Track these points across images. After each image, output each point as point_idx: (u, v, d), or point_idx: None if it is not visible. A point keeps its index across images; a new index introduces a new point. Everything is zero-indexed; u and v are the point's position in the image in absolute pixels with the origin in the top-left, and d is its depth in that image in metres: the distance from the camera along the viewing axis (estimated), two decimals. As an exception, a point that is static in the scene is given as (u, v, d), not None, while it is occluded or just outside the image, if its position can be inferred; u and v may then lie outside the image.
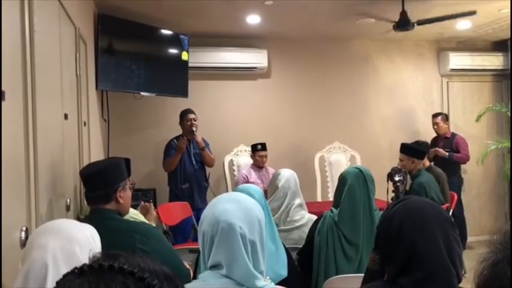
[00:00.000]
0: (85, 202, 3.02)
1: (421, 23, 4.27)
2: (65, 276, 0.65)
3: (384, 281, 1.31)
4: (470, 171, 5.99)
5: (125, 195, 2.15)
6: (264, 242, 1.40)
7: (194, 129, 4.77)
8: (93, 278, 0.62)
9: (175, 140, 4.83)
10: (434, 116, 5.69)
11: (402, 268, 1.25)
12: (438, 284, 1.21)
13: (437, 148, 5.48)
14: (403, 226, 1.28)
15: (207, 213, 1.39)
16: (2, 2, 1.52)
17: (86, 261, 0.67)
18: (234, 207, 1.37)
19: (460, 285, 1.29)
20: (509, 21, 4.69)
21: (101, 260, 0.64)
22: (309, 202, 3.99)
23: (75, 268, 0.64)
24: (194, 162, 4.86)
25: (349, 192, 2.54)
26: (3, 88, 1.50)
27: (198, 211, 4.38)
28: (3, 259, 1.45)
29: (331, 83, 6.01)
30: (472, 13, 4.01)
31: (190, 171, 4.82)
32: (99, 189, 2.09)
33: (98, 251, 0.90)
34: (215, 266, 1.34)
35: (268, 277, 1.41)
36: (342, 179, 2.63)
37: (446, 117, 5.69)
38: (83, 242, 1.23)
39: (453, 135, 5.63)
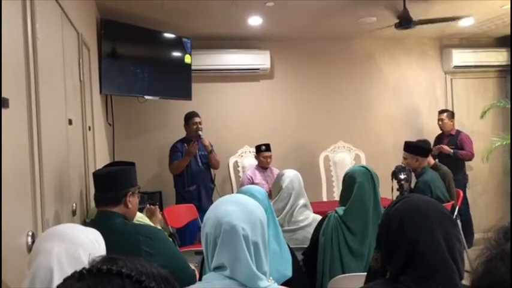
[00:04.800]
0: (91, 206, 3.05)
1: (421, 23, 4.28)
2: (65, 280, 0.67)
3: (386, 279, 1.31)
4: (476, 168, 5.97)
5: (134, 200, 2.21)
6: (267, 243, 1.41)
7: (200, 132, 4.79)
8: (92, 282, 0.64)
9: (180, 143, 4.85)
10: (441, 112, 5.67)
11: (403, 266, 1.26)
12: (439, 281, 1.22)
13: (441, 145, 5.46)
14: (403, 224, 1.29)
15: (209, 215, 1.41)
16: (4, 9, 1.54)
17: None
18: (236, 208, 1.38)
19: (463, 282, 1.30)
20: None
21: (99, 263, 0.66)
22: (315, 202, 3.99)
23: (75, 272, 0.66)
24: (200, 164, 4.88)
25: (359, 190, 2.55)
26: (7, 95, 1.52)
27: (205, 212, 4.38)
28: (9, 264, 1.47)
29: (334, 82, 6.01)
30: (468, 16, 4.05)
31: (197, 173, 4.84)
32: (110, 190, 2.14)
33: (102, 254, 0.92)
34: (218, 268, 1.35)
35: (271, 278, 1.42)
36: (350, 178, 2.63)
37: (452, 115, 5.66)
38: (87, 245, 1.25)
39: (458, 132, 5.60)
